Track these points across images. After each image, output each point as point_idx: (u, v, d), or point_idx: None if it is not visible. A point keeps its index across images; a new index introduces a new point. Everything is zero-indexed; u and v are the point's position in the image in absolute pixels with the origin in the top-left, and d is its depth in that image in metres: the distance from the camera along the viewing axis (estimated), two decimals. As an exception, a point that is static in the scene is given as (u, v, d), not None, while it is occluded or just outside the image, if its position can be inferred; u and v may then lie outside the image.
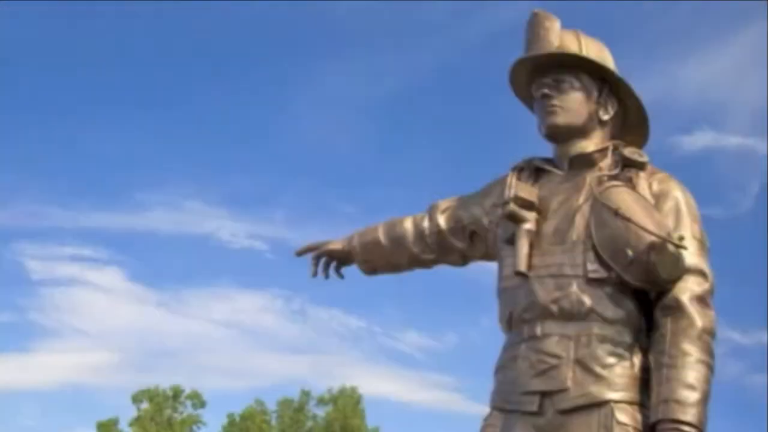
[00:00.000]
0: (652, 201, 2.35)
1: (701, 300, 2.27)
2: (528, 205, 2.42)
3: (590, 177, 2.41)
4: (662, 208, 2.35)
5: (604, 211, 2.30)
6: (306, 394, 34.92)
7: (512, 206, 2.41)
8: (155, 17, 47.69)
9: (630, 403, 2.22)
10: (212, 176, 52.65)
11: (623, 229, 2.25)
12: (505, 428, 2.33)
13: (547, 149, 2.58)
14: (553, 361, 2.28)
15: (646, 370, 2.26)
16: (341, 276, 2.93)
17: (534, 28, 2.49)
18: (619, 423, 2.19)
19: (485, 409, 2.44)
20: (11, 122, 48.09)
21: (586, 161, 2.46)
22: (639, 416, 2.21)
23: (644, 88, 2.49)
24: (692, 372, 2.18)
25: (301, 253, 2.93)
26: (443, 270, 2.87)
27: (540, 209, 2.43)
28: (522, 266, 2.35)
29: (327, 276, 2.91)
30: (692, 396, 2.16)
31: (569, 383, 2.25)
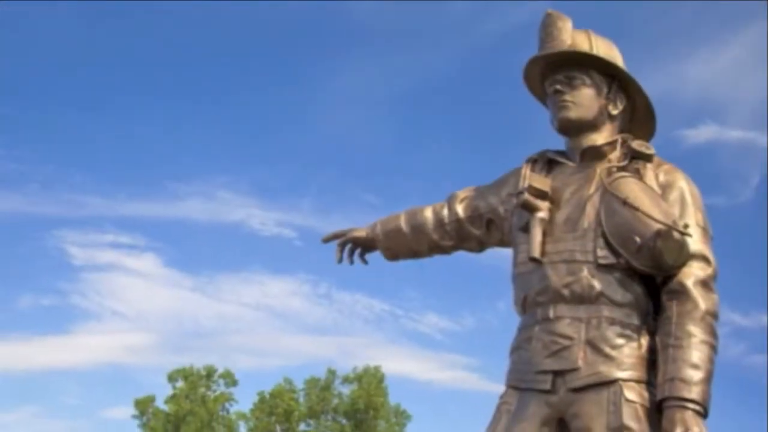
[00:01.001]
0: (658, 191, 2.43)
1: (705, 284, 2.35)
2: (541, 195, 2.50)
3: (600, 168, 2.49)
4: (668, 197, 2.43)
5: (613, 200, 2.38)
6: (332, 373, 35.04)
7: (527, 196, 2.50)
8: (190, 15, 47.93)
9: (638, 381, 2.31)
10: (243, 168, 52.97)
11: (631, 218, 2.34)
12: (519, 405, 2.42)
13: (558, 143, 2.66)
14: (565, 342, 2.37)
15: (652, 350, 2.34)
16: (365, 262, 3.02)
17: (547, 27, 2.57)
18: (628, 400, 2.27)
19: (501, 388, 2.52)
20: (55, 116, 48.26)
21: (597, 153, 2.54)
22: (646, 394, 2.30)
23: (650, 85, 2.57)
24: (696, 352, 2.27)
25: (327, 241, 3.02)
26: (462, 256, 2.95)
27: (553, 199, 2.51)
28: (536, 252, 2.44)
29: (352, 262, 3.00)
30: (696, 375, 2.24)
31: (580, 363, 2.33)
